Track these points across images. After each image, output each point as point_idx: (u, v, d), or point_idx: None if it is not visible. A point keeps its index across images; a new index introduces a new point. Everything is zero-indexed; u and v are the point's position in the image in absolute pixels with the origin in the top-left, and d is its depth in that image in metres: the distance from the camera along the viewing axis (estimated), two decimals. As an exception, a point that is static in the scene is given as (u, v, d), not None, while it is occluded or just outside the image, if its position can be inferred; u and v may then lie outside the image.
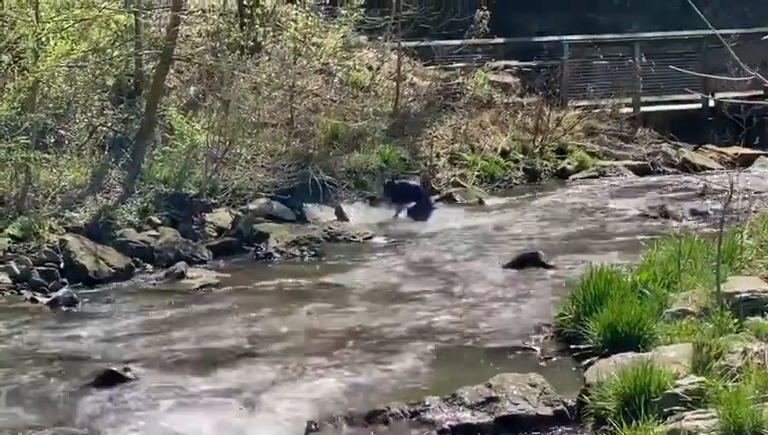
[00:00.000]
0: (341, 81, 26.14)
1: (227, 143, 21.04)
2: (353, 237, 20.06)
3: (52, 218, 17.93)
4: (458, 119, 26.49)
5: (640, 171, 26.10)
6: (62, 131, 20.19)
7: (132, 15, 21.25)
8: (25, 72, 18.75)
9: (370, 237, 20.06)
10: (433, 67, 28.34)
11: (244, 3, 25.42)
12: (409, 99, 26.90)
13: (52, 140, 19.71)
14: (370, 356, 12.70)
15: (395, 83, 26.47)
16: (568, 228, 19.94)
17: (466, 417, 10.15)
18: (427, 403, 10.39)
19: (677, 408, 9.10)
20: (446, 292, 15.76)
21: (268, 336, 13.71)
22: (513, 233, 19.64)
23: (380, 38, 27.42)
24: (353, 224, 20.86)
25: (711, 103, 28.15)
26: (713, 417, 8.63)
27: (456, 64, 28.44)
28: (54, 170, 19.16)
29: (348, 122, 24.18)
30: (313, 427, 10.28)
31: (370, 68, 27.17)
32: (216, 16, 25.15)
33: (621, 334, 11.41)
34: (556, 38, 29.63)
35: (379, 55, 27.39)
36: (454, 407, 10.33)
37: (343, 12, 25.72)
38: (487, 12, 27.58)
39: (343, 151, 23.34)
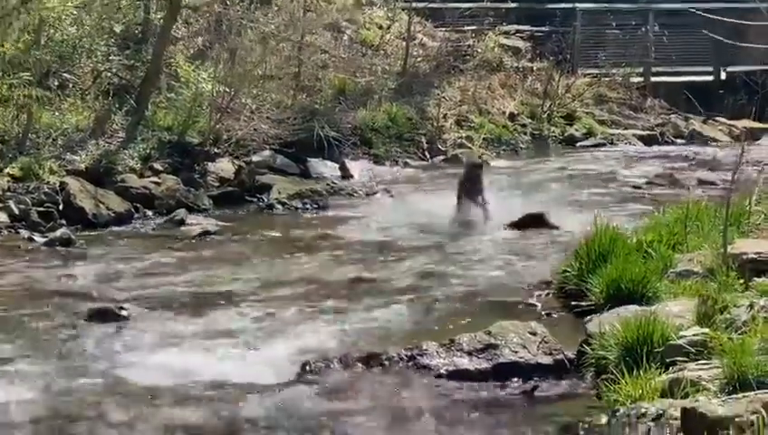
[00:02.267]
0: (351, 38, 25.87)
1: (232, 93, 20.75)
2: (356, 192, 19.87)
3: (53, 160, 17.79)
4: (467, 81, 26.31)
5: (649, 141, 25.95)
6: (66, 75, 19.96)
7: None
8: (31, 11, 18.50)
9: (374, 193, 19.86)
10: (443, 29, 28.02)
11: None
12: (418, 59, 26.65)
13: (56, 83, 19.56)
14: (369, 303, 12.53)
15: (404, 43, 26.16)
16: (574, 192, 19.67)
17: (464, 363, 9.99)
18: (425, 348, 10.23)
19: (680, 359, 8.91)
20: (447, 247, 15.56)
21: (266, 282, 13.55)
22: (518, 194, 19.30)
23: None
24: (357, 180, 20.64)
25: (723, 76, 27.84)
26: (716, 367, 8.43)
27: (466, 27, 28.15)
28: (57, 113, 19.02)
29: (356, 78, 23.84)
30: (308, 368, 10.14)
31: (380, 27, 26.88)
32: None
33: (624, 291, 11.15)
34: (569, 5, 29.25)
35: (390, 15, 27.11)
36: (451, 353, 10.15)
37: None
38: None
39: (350, 108, 23.16)
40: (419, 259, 14.77)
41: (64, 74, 19.97)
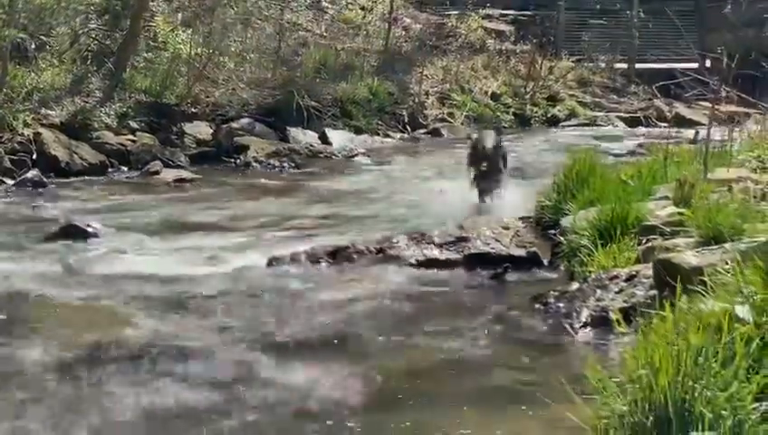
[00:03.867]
0: (332, 17, 25.81)
1: (210, 56, 20.63)
2: (335, 156, 19.77)
3: (28, 114, 17.60)
4: (450, 61, 26.19)
5: (632, 123, 25.81)
6: (43, 37, 19.86)
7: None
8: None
9: (353, 156, 19.74)
10: (427, 12, 28.06)
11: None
12: (401, 40, 26.56)
13: (33, 46, 19.47)
14: (334, 230, 12.37)
15: (387, 24, 26.12)
16: (554, 157, 19.50)
17: (434, 254, 9.83)
18: (395, 241, 10.11)
19: (655, 237, 8.75)
20: (422, 195, 15.34)
21: (236, 216, 13.52)
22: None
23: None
24: (336, 147, 20.52)
25: (707, 62, 27.74)
26: (691, 237, 8.26)
27: (449, 12, 28.22)
28: (33, 74, 18.91)
29: (337, 51, 23.84)
30: (273, 262, 10.03)
31: (363, 8, 26.83)
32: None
33: (602, 212, 10.97)
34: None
35: (372, -3, 27.16)
36: (422, 245, 10.05)
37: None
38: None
39: (331, 81, 23.01)
40: (390, 202, 14.65)
41: (42, 36, 19.71)
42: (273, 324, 8.25)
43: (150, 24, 21.16)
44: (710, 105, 24.33)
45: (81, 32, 20.46)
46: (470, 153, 13.94)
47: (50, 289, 9.22)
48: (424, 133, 22.95)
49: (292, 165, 18.53)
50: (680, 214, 8.91)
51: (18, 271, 9.83)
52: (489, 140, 13.96)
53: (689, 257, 7.39)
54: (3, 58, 18.22)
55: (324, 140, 20.79)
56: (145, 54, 20.67)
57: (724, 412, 4.65)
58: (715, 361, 4.80)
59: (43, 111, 17.99)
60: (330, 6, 26.07)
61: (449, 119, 23.89)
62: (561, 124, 25.49)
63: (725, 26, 24.08)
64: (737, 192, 9.16)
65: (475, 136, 15.04)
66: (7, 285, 9.24)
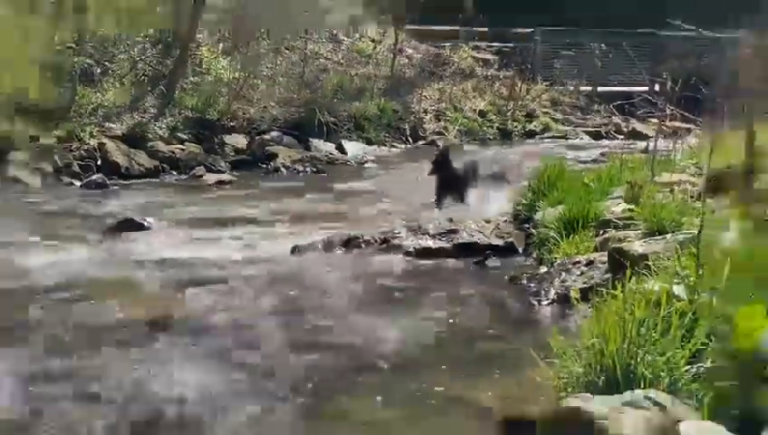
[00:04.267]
0: (348, 48, 25.81)
1: (246, 78, 20.66)
2: (349, 162, 19.82)
3: (93, 127, 17.67)
4: (444, 84, 26.19)
5: (595, 136, 25.78)
6: (107, 63, 19.93)
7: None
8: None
9: (364, 163, 19.76)
10: (426, 44, 28.09)
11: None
12: (404, 67, 26.56)
13: (99, 70, 19.54)
14: (347, 223, 12.19)
15: (392, 55, 26.13)
16: (530, 162, 19.48)
17: (429, 243, 9.83)
18: (397, 232, 10.11)
19: (610, 229, 8.76)
20: (421, 195, 15.25)
21: (264, 212, 13.38)
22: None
23: (383, 17, 27.17)
24: (351, 155, 20.54)
25: (656, 87, 27.67)
26: (639, 229, 8.26)
27: (445, 43, 28.22)
28: (99, 93, 18.99)
29: (352, 76, 23.87)
30: (296, 250, 10.03)
31: (373, 41, 26.82)
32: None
33: (569, 207, 10.95)
34: (530, 29, 29.24)
35: (381, 31, 27.08)
36: (419, 236, 10.02)
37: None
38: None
39: (346, 100, 23.04)
40: (396, 201, 14.52)
41: (106, 63, 19.77)
42: (298, 299, 8.23)
43: (196, 52, 21.21)
44: (657, 121, 24.35)
45: (138, 59, 20.52)
46: (432, 163, 13.39)
47: (111, 271, 9.23)
48: (423, 144, 22.90)
49: (314, 170, 18.56)
50: (630, 210, 8.90)
51: (85, 256, 9.83)
52: (453, 153, 13.75)
53: (637, 246, 7.41)
54: (73, 81, 18.35)
55: (341, 149, 20.85)
56: (191, 78, 20.72)
57: (662, 373, 4.67)
58: (655, 331, 4.82)
59: (106, 124, 18.09)
60: (345, 39, 26.07)
61: (444, 132, 23.88)
62: (536, 137, 25.47)
63: (671, 57, 24.09)
64: (678, 193, 9.16)
65: (440, 149, 14.62)
66: (77, 268, 9.22)
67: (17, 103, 16.75)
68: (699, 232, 5.65)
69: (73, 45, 18.73)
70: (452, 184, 12.98)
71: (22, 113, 16.81)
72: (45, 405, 5.49)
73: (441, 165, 12.93)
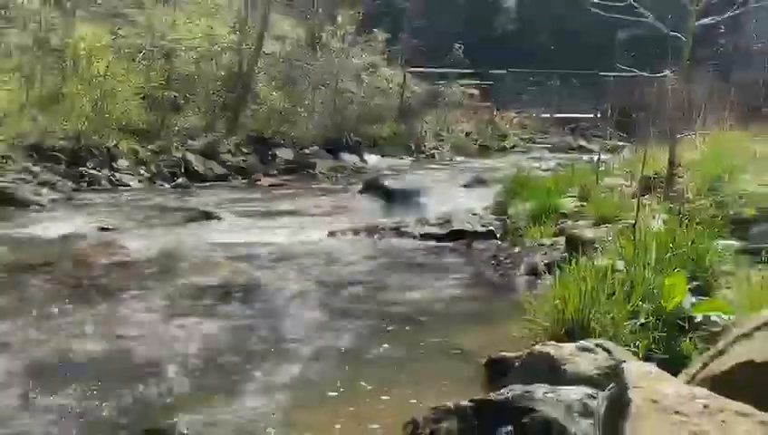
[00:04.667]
0: (368, 85, 25.74)
1: (292, 107, 20.64)
2: (369, 171, 19.74)
3: (178, 143, 17.63)
4: (440, 112, 26.13)
5: (553, 150, 25.69)
6: (188, 95, 19.91)
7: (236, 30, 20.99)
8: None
9: (380, 170, 19.67)
10: (425, 82, 28.05)
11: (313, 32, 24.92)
12: (410, 99, 26.49)
13: (182, 101, 19.52)
14: (369, 215, 12.15)
15: (400, 89, 26.08)
16: (502, 169, 19.38)
17: (430, 230, 9.78)
18: (406, 222, 10.05)
19: (566, 220, 8.72)
20: (423, 195, 15.18)
21: (307, 206, 13.24)
22: (470, 172, 19.04)
23: (394, 61, 27.15)
24: (371, 165, 20.50)
25: (599, 114, 27.64)
26: (588, 219, 8.23)
27: (440, 81, 28.19)
28: (183, 118, 18.98)
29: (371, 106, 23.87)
30: (331, 234, 10.00)
31: (386, 79, 26.76)
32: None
33: (535, 204, 10.89)
34: (503, 71, 29.18)
35: (392, 72, 27.03)
36: (422, 224, 9.97)
37: (371, 43, 25.49)
38: (462, 46, 27.37)
39: (367, 124, 23.02)
40: (408, 200, 14.37)
41: (187, 94, 19.75)
42: (334, 270, 8.19)
43: (255, 88, 21.12)
44: (600, 139, 24.34)
45: (211, 92, 20.44)
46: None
47: (191, 249, 9.18)
48: (424, 157, 22.90)
49: (344, 175, 18.52)
50: (582, 206, 8.89)
51: (175, 240, 9.77)
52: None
53: (587, 232, 7.40)
54: (163, 108, 18.27)
55: (362, 160, 20.81)
56: (251, 106, 20.64)
57: (608, 327, 4.66)
58: (603, 295, 4.80)
59: (188, 141, 17.96)
60: (366, 78, 25.98)
61: (439, 148, 23.89)
62: (508, 151, 25.40)
63: (611, 92, 24.02)
64: (616, 193, 9.13)
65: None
66: (166, 249, 9.18)
67: (123, 125, 16.79)
68: (635, 221, 5.63)
69: (163, 81, 18.71)
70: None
71: (126, 132, 16.85)
72: (161, 338, 5.51)
73: (370, 186, 12.46)
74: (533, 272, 7.51)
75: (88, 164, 15.30)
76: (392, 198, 14.08)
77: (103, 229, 10.11)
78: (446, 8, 31.45)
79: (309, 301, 6.93)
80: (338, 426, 4.15)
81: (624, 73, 21.63)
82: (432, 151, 23.30)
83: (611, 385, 3.40)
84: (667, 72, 9.36)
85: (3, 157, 13.67)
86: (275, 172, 18.05)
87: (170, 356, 5.30)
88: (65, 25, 17.38)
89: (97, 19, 18.66)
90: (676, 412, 3.15)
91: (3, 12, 15.63)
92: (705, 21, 8.55)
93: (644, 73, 9.53)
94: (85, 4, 19.38)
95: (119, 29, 18.90)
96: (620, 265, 5.22)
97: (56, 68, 16.93)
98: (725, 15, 8.89)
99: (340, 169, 19.00)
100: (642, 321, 4.65)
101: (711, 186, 7.66)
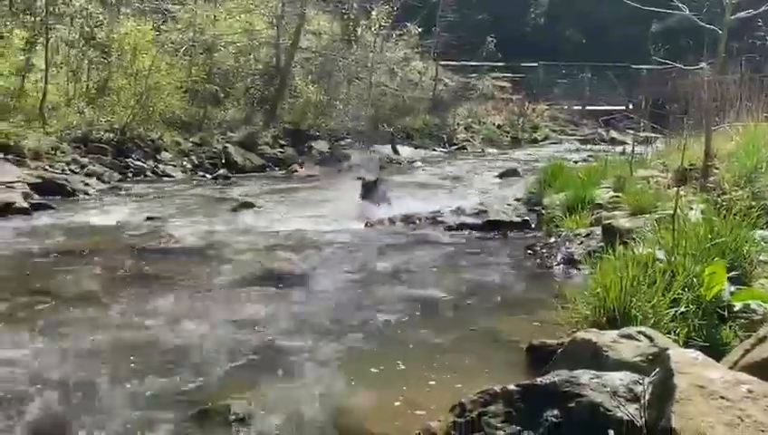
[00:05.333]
0: (401, 78, 25.74)
1: (327, 100, 20.69)
2: (402, 161, 19.79)
3: (219, 135, 17.79)
4: (471, 104, 26.05)
5: (584, 142, 25.48)
6: (228, 89, 20.07)
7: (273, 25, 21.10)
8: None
9: (413, 162, 19.73)
10: (458, 75, 27.97)
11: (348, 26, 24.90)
12: (442, 91, 26.46)
13: (222, 95, 19.69)
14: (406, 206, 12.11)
15: (433, 82, 26.03)
16: (536, 161, 19.33)
17: (465, 220, 9.77)
18: (441, 211, 10.05)
19: (602, 210, 8.67)
20: (457, 185, 15.29)
21: (342, 196, 13.02)
22: (502, 163, 19.05)
23: (427, 54, 27.08)
24: (403, 157, 20.51)
25: (630, 106, 27.33)
26: (624, 210, 8.17)
27: (472, 75, 28.08)
28: (223, 111, 19.14)
29: (404, 99, 23.84)
30: (368, 224, 10.02)
31: (419, 72, 26.72)
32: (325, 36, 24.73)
33: (569, 194, 10.82)
34: (535, 63, 28.99)
35: (425, 66, 26.97)
36: (458, 214, 9.97)
37: (405, 37, 25.44)
38: (494, 40, 27.23)
39: (400, 116, 23.04)
40: (436, 189, 14.46)
41: (227, 89, 19.91)
42: (371, 258, 8.22)
43: (292, 81, 21.22)
44: (632, 132, 24.10)
45: (250, 86, 20.59)
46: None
47: (233, 237, 9.26)
48: (456, 149, 22.89)
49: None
50: (617, 197, 8.82)
51: (215, 228, 9.87)
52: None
53: (624, 222, 7.34)
54: (205, 102, 18.42)
55: (396, 152, 20.84)
56: (288, 100, 20.78)
57: (649, 315, 4.64)
58: (644, 283, 4.78)
59: (228, 133, 18.16)
60: (399, 71, 25.98)
61: (471, 140, 23.82)
62: (539, 143, 25.26)
63: (644, 84, 23.77)
64: (653, 184, 9.05)
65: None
66: (210, 236, 9.27)
67: (166, 118, 16.95)
68: (674, 212, 5.59)
69: (204, 76, 18.87)
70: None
71: (169, 125, 17.01)
72: (211, 322, 5.57)
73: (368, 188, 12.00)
74: (570, 261, 7.48)
75: (133, 156, 15.49)
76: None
77: (150, 218, 10.23)
78: (478, 2, 31.28)
79: (350, 288, 6.95)
80: (386, 409, 4.18)
81: (657, 66, 21.46)
82: (464, 143, 23.25)
83: (657, 370, 3.40)
84: (703, 64, 9.26)
85: (52, 148, 13.85)
86: (312, 163, 18.11)
87: (220, 339, 5.35)
88: (111, 21, 17.55)
89: (141, 15, 18.80)
90: (722, 397, 3.15)
91: (51, 8, 15.78)
92: (741, 14, 8.44)
93: (680, 65, 9.44)
94: (129, 0, 19.56)
95: (162, 24, 19.05)
96: (660, 254, 5.19)
97: (102, 63, 17.12)
98: (762, 9, 8.77)
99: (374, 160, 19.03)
100: (683, 309, 4.62)
101: (747, 177, 7.57)
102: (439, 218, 9.86)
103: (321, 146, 19.53)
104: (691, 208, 6.54)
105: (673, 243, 5.29)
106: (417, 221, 9.88)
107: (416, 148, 21.96)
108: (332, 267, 7.76)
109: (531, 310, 6.03)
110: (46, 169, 13.03)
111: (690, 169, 8.65)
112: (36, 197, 11.14)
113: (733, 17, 8.27)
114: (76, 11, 16.77)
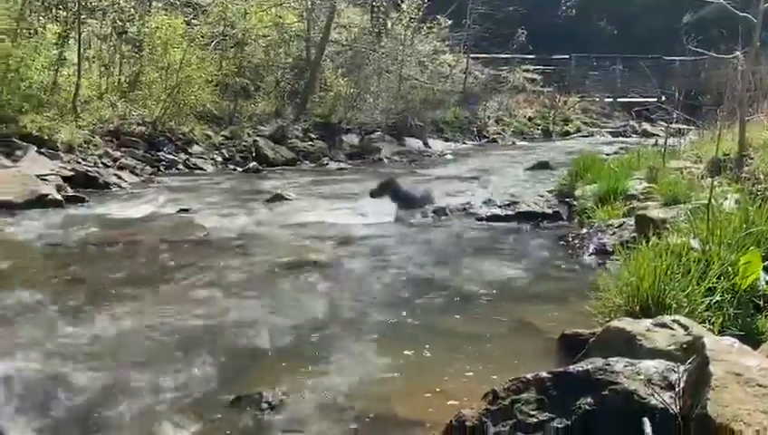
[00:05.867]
0: (431, 71, 25.68)
1: (357, 93, 20.70)
2: (433, 155, 19.78)
3: (249, 129, 17.88)
4: (502, 97, 25.96)
5: (616, 135, 25.37)
6: (258, 83, 20.15)
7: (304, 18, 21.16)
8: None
9: (444, 155, 19.74)
10: (489, 67, 27.86)
11: (379, 19, 24.89)
12: (473, 84, 26.37)
13: (252, 88, 19.78)
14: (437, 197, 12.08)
15: (464, 75, 25.94)
16: (568, 153, 19.21)
17: (497, 211, 9.74)
18: (472, 203, 10.04)
19: (634, 201, 8.61)
20: (487, 178, 15.22)
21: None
22: (533, 156, 18.91)
23: (457, 47, 27.01)
24: (434, 150, 20.50)
25: (663, 97, 27.11)
26: (657, 201, 8.11)
27: (503, 67, 27.95)
28: (253, 105, 19.23)
29: (434, 92, 23.79)
30: (399, 216, 10.00)
31: (449, 65, 26.66)
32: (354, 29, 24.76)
33: (600, 186, 10.74)
34: (566, 55, 28.81)
35: (455, 58, 26.90)
36: (489, 205, 9.96)
37: (435, 30, 25.37)
38: (525, 32, 27.07)
39: (430, 109, 23.01)
40: (468, 183, 14.39)
41: (258, 82, 20.00)
42: (402, 250, 8.19)
43: (322, 74, 21.26)
44: (665, 124, 23.87)
45: (280, 80, 20.65)
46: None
47: (265, 229, 9.32)
48: (486, 142, 22.86)
49: (406, 160, 18.57)
50: (650, 187, 8.76)
51: (249, 220, 9.93)
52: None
53: (657, 212, 7.29)
54: (235, 96, 18.52)
55: (426, 145, 20.87)
56: (318, 93, 20.81)
57: (683, 304, 4.60)
58: (678, 272, 4.75)
59: (258, 127, 18.24)
60: (429, 64, 25.93)
61: (502, 133, 23.75)
62: (571, 136, 25.13)
63: (676, 75, 23.57)
64: (686, 174, 8.97)
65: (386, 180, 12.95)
66: (242, 228, 9.33)
67: (197, 112, 17.07)
68: (709, 201, 5.54)
69: (235, 69, 18.96)
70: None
71: (200, 119, 17.13)
72: (244, 310, 5.62)
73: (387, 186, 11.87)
74: (602, 252, 7.45)
75: (164, 149, 15.61)
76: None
77: (183, 210, 10.32)
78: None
79: (381, 278, 6.95)
80: (418, 397, 4.20)
81: (689, 58, 21.21)
82: (495, 136, 23.19)
83: (692, 358, 3.38)
84: (737, 53, 9.14)
85: (85, 142, 14.01)
86: (342, 157, 18.16)
87: (253, 327, 5.39)
88: (142, 15, 17.70)
89: (172, 9, 18.93)
90: (759, 385, 3.12)
91: (83, 2, 15.94)
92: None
93: (714, 54, 9.33)
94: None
95: (193, 18, 19.18)
96: (694, 243, 5.15)
97: (133, 56, 17.27)
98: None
99: (405, 154, 19.06)
100: (717, 298, 4.59)
101: (782, 167, 7.48)
102: (470, 210, 9.86)
103: (352, 139, 19.57)
104: (726, 198, 6.48)
105: (707, 232, 5.24)
106: (449, 213, 9.87)
107: (446, 141, 21.95)
108: (363, 258, 7.77)
109: (562, 300, 6.00)
110: (79, 163, 13.17)
111: (724, 160, 8.56)
112: (70, 189, 11.27)
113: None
114: (108, 5, 16.92)
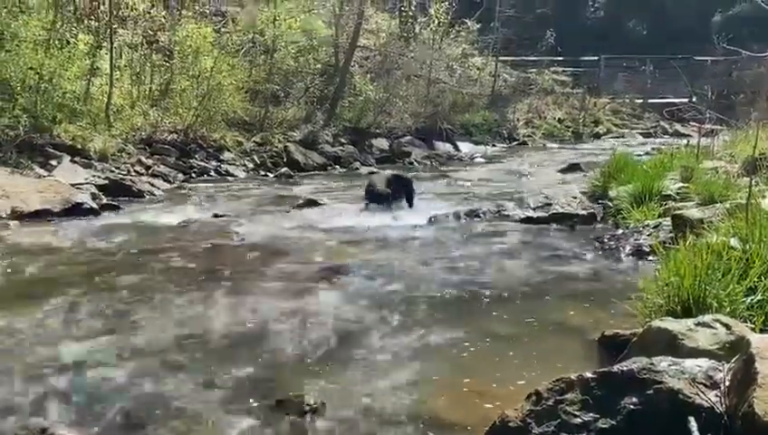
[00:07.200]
0: (460, 75, 25.66)
1: (387, 98, 20.75)
2: (462, 159, 19.77)
3: (280, 135, 17.98)
4: (532, 99, 25.88)
5: (646, 136, 25.23)
6: (288, 89, 20.26)
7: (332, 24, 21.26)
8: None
9: (473, 158, 19.73)
10: (517, 70, 27.77)
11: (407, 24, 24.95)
12: (502, 87, 26.33)
13: (282, 94, 19.90)
14: (466, 199, 12.12)
15: (492, 78, 25.91)
16: (599, 155, 19.10)
17: (531, 213, 9.73)
18: (505, 206, 10.01)
19: (670, 201, 8.56)
20: (519, 180, 15.22)
21: None
22: (564, 158, 18.87)
23: (485, 50, 27.00)
24: (463, 153, 20.51)
25: (694, 99, 26.82)
26: (693, 200, 8.07)
27: (531, 69, 27.87)
28: (283, 111, 19.34)
29: (463, 95, 23.77)
30: (432, 219, 10.01)
31: (478, 68, 26.63)
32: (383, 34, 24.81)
33: (634, 188, 10.68)
34: (596, 57, 28.68)
35: (484, 61, 26.87)
36: (522, 208, 9.96)
37: (463, 33, 25.39)
38: (553, 34, 27.00)
39: (459, 112, 23.01)
40: (500, 184, 14.42)
41: (287, 88, 20.11)
42: (437, 253, 8.18)
43: (351, 79, 21.34)
44: (697, 124, 23.60)
45: (310, 85, 20.74)
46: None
47: (299, 233, 9.35)
48: (516, 144, 22.82)
49: (436, 163, 18.58)
50: (686, 187, 8.72)
51: (282, 225, 9.99)
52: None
53: (694, 212, 7.25)
54: (266, 102, 18.62)
55: (456, 148, 20.90)
56: (348, 98, 20.88)
57: (724, 303, 4.58)
58: (719, 272, 4.73)
59: (288, 133, 18.33)
60: (458, 67, 25.91)
61: (532, 135, 23.70)
62: (601, 137, 25.01)
63: (707, 75, 23.39)
64: (721, 174, 8.91)
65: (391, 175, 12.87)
66: (277, 232, 9.39)
67: (228, 119, 17.21)
68: (748, 200, 5.51)
69: (265, 76, 19.09)
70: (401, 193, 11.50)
71: (231, 126, 17.27)
72: (283, 314, 5.67)
73: (390, 183, 11.81)
74: (638, 252, 7.42)
75: (196, 156, 15.76)
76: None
77: (217, 216, 10.41)
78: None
79: (417, 280, 6.97)
80: (460, 398, 4.22)
81: (721, 57, 21.05)
82: (525, 139, 23.15)
83: (737, 356, 3.37)
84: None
85: (118, 150, 14.19)
86: (372, 161, 18.23)
87: (292, 331, 5.45)
88: (172, 24, 17.89)
89: (202, 17, 19.12)
90: (806, 383, 3.11)
91: (115, 12, 16.16)
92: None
93: (749, 53, 9.26)
94: (190, 3, 19.89)
95: (223, 25, 19.35)
96: (734, 242, 5.12)
97: (164, 65, 17.46)
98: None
99: (434, 157, 19.08)
100: (759, 297, 4.56)
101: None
102: (504, 212, 9.85)
103: (382, 144, 19.62)
104: (764, 196, 6.44)
105: (747, 231, 5.21)
106: (482, 215, 9.87)
107: (476, 144, 21.94)
108: (398, 260, 7.79)
109: (601, 300, 5.99)
110: (112, 171, 13.35)
111: (761, 159, 8.50)
112: (104, 198, 11.42)
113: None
114: (139, 15, 17.13)
